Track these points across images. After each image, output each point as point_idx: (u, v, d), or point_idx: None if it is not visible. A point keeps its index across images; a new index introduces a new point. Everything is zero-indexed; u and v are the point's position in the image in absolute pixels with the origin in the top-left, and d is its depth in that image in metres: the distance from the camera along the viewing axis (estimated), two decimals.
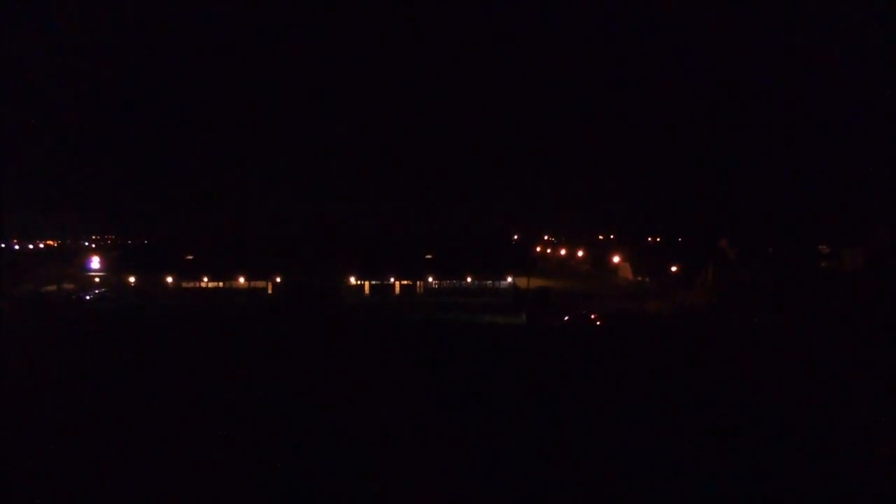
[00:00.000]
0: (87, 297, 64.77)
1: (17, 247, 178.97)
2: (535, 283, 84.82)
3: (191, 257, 77.99)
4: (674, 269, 73.82)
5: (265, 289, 72.74)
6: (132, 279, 72.56)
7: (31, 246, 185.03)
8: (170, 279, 72.45)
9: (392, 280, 73.19)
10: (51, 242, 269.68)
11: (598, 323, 51.50)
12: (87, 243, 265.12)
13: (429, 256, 77.75)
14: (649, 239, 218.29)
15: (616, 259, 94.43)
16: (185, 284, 72.82)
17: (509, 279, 73.35)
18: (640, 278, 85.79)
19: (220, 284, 73.20)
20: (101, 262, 77.92)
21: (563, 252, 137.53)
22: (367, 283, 73.04)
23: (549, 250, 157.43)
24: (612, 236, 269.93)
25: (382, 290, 72.63)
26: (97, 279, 74.85)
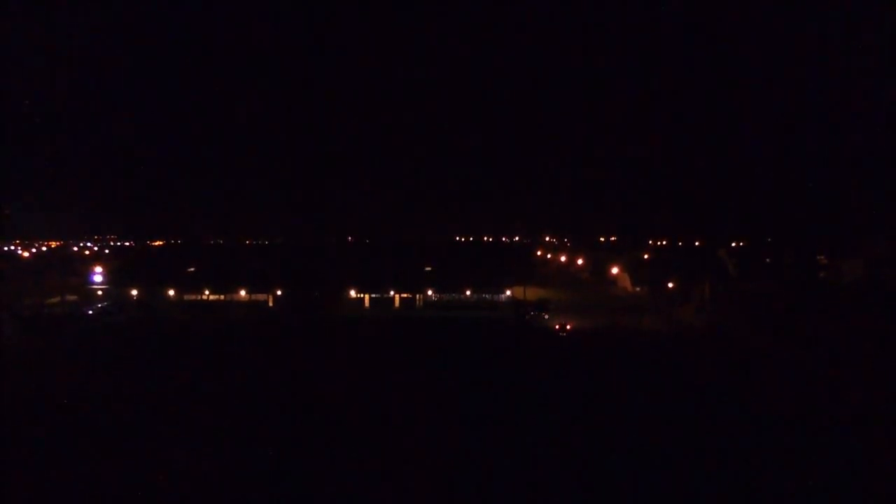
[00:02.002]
0: (90, 312, 65.38)
1: (19, 250, 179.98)
2: (534, 292, 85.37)
3: (192, 269, 78.64)
4: (670, 284, 74.13)
5: (266, 302, 73.36)
6: (134, 292, 73.19)
7: (34, 249, 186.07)
8: (171, 292, 73.06)
9: (392, 293, 73.70)
10: (53, 243, 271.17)
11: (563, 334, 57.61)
12: (89, 244, 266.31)
13: (428, 269, 78.33)
14: (650, 241, 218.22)
15: (615, 270, 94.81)
16: (186, 297, 73.46)
17: (508, 292, 73.80)
18: (638, 289, 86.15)
19: (222, 297, 73.79)
20: (104, 274, 78.64)
21: (563, 258, 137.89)
22: (366, 296, 73.57)
23: (549, 255, 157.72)
24: (612, 238, 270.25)
25: (382, 303, 73.19)
26: (100, 292, 75.49)
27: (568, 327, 59.93)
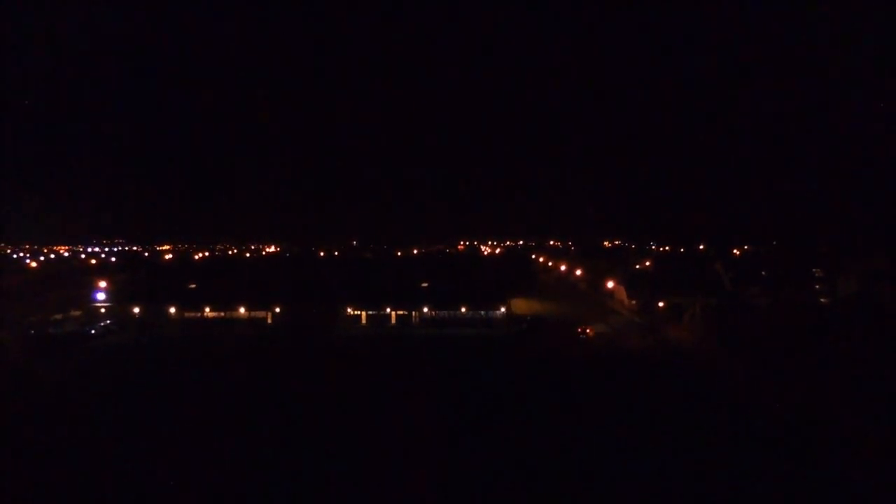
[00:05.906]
0: (93, 332, 66.87)
1: (28, 258, 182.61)
2: (531, 306, 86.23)
3: (193, 287, 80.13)
4: (661, 304, 74.73)
5: (265, 319, 74.69)
6: (136, 310, 74.70)
7: (41, 258, 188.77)
8: (172, 310, 74.53)
9: (388, 310, 74.79)
10: (61, 248, 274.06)
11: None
12: (96, 249, 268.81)
13: (425, 285, 79.35)
14: (651, 246, 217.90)
15: (610, 285, 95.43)
16: (187, 314, 74.92)
17: (503, 309, 74.70)
18: (633, 302, 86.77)
19: (222, 314, 75.19)
20: (107, 291, 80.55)
21: (563, 267, 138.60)
22: (363, 314, 74.72)
23: (549, 263, 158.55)
24: (616, 241, 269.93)
25: (379, 320, 74.29)
26: (103, 310, 77.17)
27: (588, 331, 63.95)
